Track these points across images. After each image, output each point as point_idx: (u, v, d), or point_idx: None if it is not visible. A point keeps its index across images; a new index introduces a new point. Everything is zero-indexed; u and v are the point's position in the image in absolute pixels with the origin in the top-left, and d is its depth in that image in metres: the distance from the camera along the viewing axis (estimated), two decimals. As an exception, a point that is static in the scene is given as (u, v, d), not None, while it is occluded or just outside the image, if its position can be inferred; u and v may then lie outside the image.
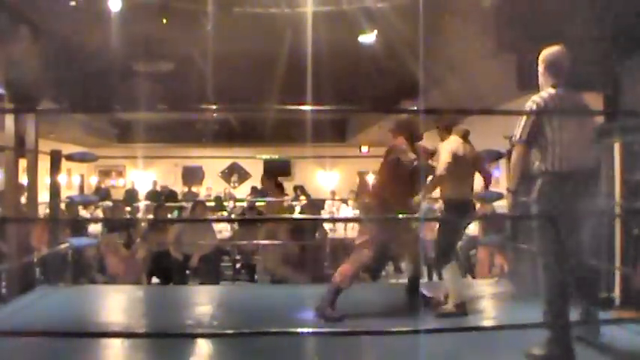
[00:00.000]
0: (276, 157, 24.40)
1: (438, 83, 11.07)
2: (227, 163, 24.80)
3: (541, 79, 4.72)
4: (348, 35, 10.31)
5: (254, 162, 24.35)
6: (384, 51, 10.42)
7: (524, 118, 4.50)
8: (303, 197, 16.71)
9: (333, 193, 21.79)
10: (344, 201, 16.80)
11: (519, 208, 4.87)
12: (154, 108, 10.71)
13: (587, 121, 4.74)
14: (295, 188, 19.70)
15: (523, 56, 7.89)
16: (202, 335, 5.28)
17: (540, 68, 4.72)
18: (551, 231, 4.33)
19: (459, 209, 5.90)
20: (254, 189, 21.31)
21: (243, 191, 23.36)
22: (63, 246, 8.20)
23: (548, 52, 4.70)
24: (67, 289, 7.35)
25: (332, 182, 24.52)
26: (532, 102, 4.52)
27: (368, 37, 10.60)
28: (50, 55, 8.91)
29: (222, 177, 25.22)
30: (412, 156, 5.65)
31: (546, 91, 4.56)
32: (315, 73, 9.47)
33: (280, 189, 13.27)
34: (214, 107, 6.96)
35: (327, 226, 11.75)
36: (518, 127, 4.51)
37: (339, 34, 10.07)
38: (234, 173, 25.19)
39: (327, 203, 16.74)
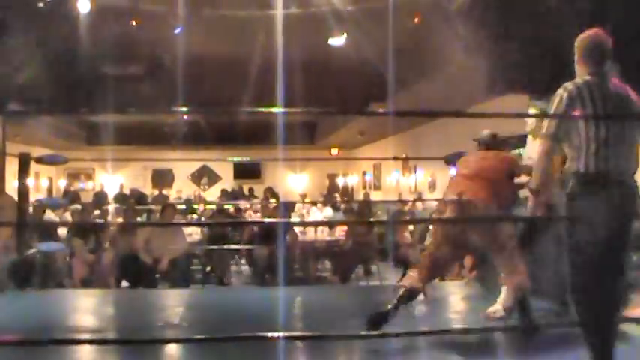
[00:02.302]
0: (246, 159, 24.35)
1: (408, 85, 11.14)
2: (197, 165, 24.72)
3: (577, 70, 4.05)
4: (318, 38, 10.34)
5: (224, 165, 24.31)
6: (353, 53, 10.46)
7: (553, 107, 3.87)
8: (272, 200, 16.71)
9: (304, 195, 21.81)
10: (314, 204, 16.82)
11: (542, 211, 4.13)
12: (123, 110, 10.63)
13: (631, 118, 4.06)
14: (265, 191, 19.71)
15: (494, 58, 7.91)
16: (172, 340, 5.26)
17: (576, 56, 4.06)
18: (579, 237, 3.74)
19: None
20: (224, 192, 21.30)
21: (213, 194, 23.31)
22: (31, 250, 8.15)
23: (584, 35, 4.06)
24: (35, 294, 7.30)
25: (302, 185, 24.53)
26: (563, 89, 3.85)
27: (338, 40, 10.64)
28: (18, 57, 8.84)
29: (192, 180, 25.13)
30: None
31: (581, 78, 3.90)
32: (286, 76, 9.48)
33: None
34: (184, 109, 6.93)
35: (297, 229, 11.77)
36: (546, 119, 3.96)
37: (309, 37, 10.10)
38: (204, 176, 25.12)
39: (297, 206, 16.75)
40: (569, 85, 3.84)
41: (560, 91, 3.85)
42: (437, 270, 5.25)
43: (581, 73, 3.96)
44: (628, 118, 3.92)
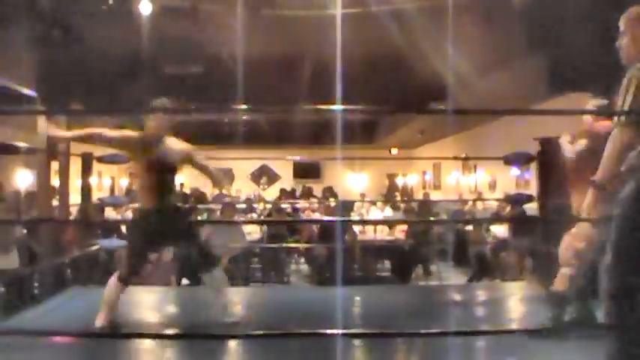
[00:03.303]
0: (306, 159, 24.40)
1: (466, 84, 11.02)
2: (256, 164, 24.83)
3: (636, 47, 3.53)
4: (377, 37, 10.28)
5: (283, 164, 24.38)
6: (412, 52, 10.38)
7: (631, 92, 3.33)
8: (332, 199, 16.71)
9: (363, 195, 21.76)
10: (373, 203, 16.78)
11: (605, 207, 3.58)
12: (183, 110, 10.73)
13: None
14: (324, 190, 19.72)
15: (553, 57, 7.78)
16: (233, 336, 5.28)
17: (629, 34, 3.56)
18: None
19: None
20: (283, 191, 21.37)
21: (272, 193, 23.41)
22: (94, 247, 8.28)
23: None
24: (97, 290, 7.40)
25: (361, 184, 24.47)
26: (639, 70, 3.34)
27: (397, 39, 10.56)
28: (81, 58, 8.99)
29: (252, 179, 25.27)
30: None
31: None
32: (345, 75, 9.46)
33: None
34: (243, 108, 6.97)
35: (356, 228, 11.75)
36: (622, 104, 3.39)
37: (368, 36, 10.05)
38: (264, 175, 25.23)
39: (357, 205, 16.72)
40: None
41: (635, 72, 3.35)
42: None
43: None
44: None
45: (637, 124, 3.34)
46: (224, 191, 22.33)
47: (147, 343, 4.88)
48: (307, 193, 22.10)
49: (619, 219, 3.36)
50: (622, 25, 3.62)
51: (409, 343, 4.90)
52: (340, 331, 4.61)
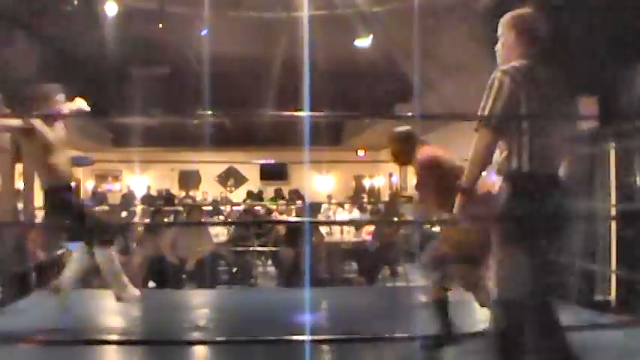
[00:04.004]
0: (272, 161, 24.35)
1: (433, 87, 11.10)
2: (223, 167, 24.75)
3: (505, 51, 3.66)
4: (343, 39, 10.33)
5: (250, 166, 24.31)
6: (379, 55, 10.44)
7: (492, 94, 3.40)
8: (298, 201, 16.73)
9: (330, 197, 21.77)
10: (340, 205, 16.80)
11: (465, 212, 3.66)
12: (149, 112, 10.69)
13: (569, 108, 3.74)
14: (291, 192, 19.71)
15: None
16: (197, 342, 5.28)
17: (509, 36, 3.63)
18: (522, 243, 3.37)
19: None
20: (250, 193, 21.34)
21: (239, 195, 23.36)
22: (59, 251, 8.20)
23: (519, 14, 3.66)
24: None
25: (328, 186, 24.47)
26: (502, 73, 3.43)
27: (364, 42, 10.61)
28: (46, 59, 8.92)
29: (219, 181, 25.18)
30: None
31: (518, 62, 3.50)
32: (311, 77, 9.49)
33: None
34: (210, 113, 6.94)
35: (322, 230, 11.76)
36: (484, 106, 3.44)
37: (335, 39, 10.09)
38: (231, 177, 25.15)
39: (324, 207, 16.72)
40: (506, 67, 3.47)
41: (497, 74, 3.43)
42: None
43: (513, 54, 3.59)
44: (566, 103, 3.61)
45: (496, 126, 3.41)
46: (190, 193, 22.33)
47: (110, 349, 4.87)
48: (279, 195, 22.07)
49: (498, 225, 3.51)
50: (499, 29, 3.72)
51: (373, 347, 4.93)
52: (307, 337, 4.62)
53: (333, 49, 10.40)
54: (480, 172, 3.53)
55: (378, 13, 9.59)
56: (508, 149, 3.44)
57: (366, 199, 22.58)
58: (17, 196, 8.43)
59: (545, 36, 3.61)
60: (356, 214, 15.42)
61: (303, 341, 4.63)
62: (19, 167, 8.02)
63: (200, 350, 4.93)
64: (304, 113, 8.15)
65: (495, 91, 3.39)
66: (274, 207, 15.81)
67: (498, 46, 3.72)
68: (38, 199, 8.25)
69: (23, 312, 6.23)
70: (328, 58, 10.31)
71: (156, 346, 4.97)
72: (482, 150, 3.44)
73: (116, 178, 25.14)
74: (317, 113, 6.60)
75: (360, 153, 22.96)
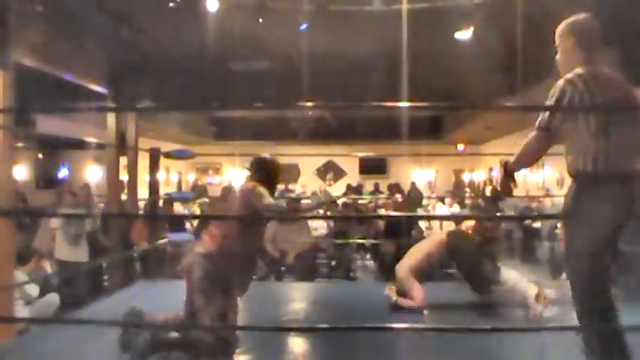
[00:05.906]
0: (372, 154, 24.31)
1: (536, 81, 10.85)
2: (323, 160, 24.86)
3: (566, 59, 3.75)
4: (444, 32, 10.19)
5: (349, 160, 24.34)
6: (480, 48, 10.26)
7: (554, 102, 3.57)
8: (398, 195, 16.62)
9: (430, 188, 21.62)
10: (440, 199, 16.65)
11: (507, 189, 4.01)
12: (250, 106, 10.82)
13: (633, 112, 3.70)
14: (390, 186, 19.62)
15: (626, 51, 7.60)
16: (298, 329, 5.32)
17: (567, 43, 3.72)
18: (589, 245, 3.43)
19: None
20: (349, 186, 21.35)
21: (338, 189, 23.42)
22: (162, 241, 8.40)
23: (575, 21, 3.73)
24: (165, 284, 7.50)
25: (428, 180, 24.31)
26: (565, 82, 3.52)
27: (464, 34, 10.44)
28: (149, 55, 9.12)
29: (318, 175, 25.31)
30: None
31: (582, 69, 3.54)
32: (411, 71, 9.41)
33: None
34: (310, 104, 7.00)
35: (422, 224, 11.67)
36: (545, 110, 3.68)
37: (435, 31, 9.97)
38: (330, 171, 25.24)
39: (423, 201, 16.61)
40: (570, 75, 3.53)
41: (560, 82, 3.55)
42: None
43: (573, 61, 3.67)
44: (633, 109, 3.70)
45: (550, 131, 3.65)
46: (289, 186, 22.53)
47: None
48: (377, 190, 22.01)
49: (568, 223, 3.80)
50: (556, 39, 3.84)
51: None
52: (406, 325, 4.60)
53: (433, 42, 10.28)
54: (524, 163, 4.00)
55: (479, 5, 9.43)
56: (575, 150, 3.66)
57: (467, 194, 22.31)
58: (122, 188, 8.68)
59: (602, 39, 3.69)
60: (456, 208, 15.25)
61: (402, 329, 4.61)
62: (123, 160, 8.26)
63: (298, 340, 4.96)
64: (402, 104, 8.09)
65: (556, 99, 3.55)
66: (373, 201, 15.76)
67: (557, 56, 3.83)
68: (141, 190, 8.50)
69: (126, 300, 6.36)
70: (428, 52, 10.20)
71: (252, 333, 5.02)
72: (530, 147, 3.84)
73: (217, 171, 25.58)
74: (415, 104, 6.53)
75: (460, 147, 22.71)
